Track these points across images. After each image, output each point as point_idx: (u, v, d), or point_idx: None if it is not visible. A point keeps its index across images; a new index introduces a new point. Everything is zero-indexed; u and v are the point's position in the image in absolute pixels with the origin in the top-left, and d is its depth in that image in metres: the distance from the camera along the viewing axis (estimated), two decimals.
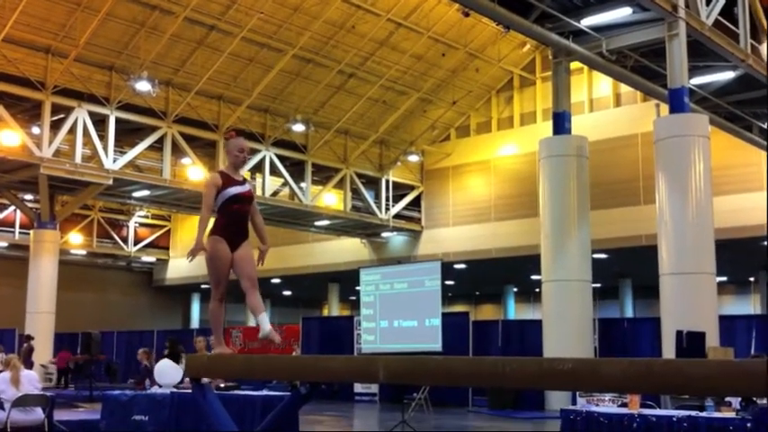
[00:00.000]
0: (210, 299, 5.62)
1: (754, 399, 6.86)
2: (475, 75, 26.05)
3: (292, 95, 24.44)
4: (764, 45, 15.15)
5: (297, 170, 26.04)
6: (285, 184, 26.01)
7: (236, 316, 36.54)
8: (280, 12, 21.38)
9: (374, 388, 17.96)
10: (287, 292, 38.09)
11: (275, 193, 26.23)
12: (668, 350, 11.51)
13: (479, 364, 4.56)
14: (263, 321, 5.41)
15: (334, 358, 5.06)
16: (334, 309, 33.44)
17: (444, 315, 16.33)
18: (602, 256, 23.66)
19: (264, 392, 9.84)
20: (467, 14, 17.72)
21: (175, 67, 22.34)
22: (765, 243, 23.63)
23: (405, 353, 14.78)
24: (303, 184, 26.02)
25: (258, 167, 25.24)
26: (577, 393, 9.17)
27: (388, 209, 28.00)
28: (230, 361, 5.72)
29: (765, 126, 18.15)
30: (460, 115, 27.95)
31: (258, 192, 25.51)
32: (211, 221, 5.50)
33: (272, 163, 24.90)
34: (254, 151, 24.81)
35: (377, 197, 28.09)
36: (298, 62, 23.26)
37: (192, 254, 5.33)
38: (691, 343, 10.40)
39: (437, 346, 15.45)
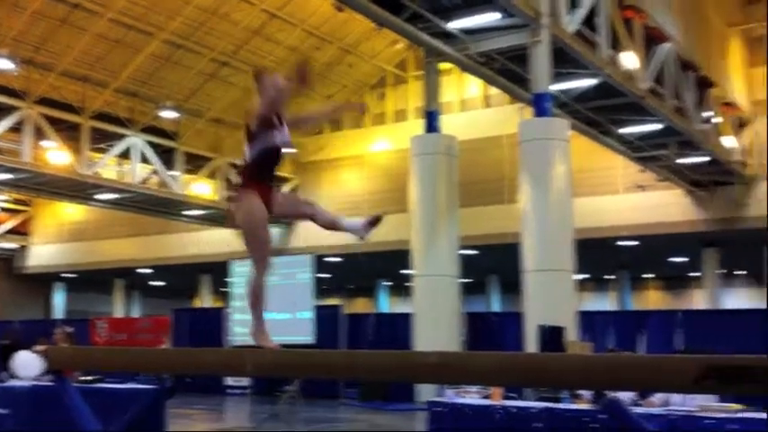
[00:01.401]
0: (254, 273, 4.51)
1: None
2: (349, 70, 26.22)
3: (163, 81, 23.83)
4: (623, 54, 15.97)
5: (167, 158, 25.41)
6: (155, 171, 25.35)
7: (102, 306, 35.35)
8: None
9: (246, 381, 17.85)
10: (156, 283, 37.15)
11: (144, 181, 25.52)
12: (531, 344, 12.04)
13: (349, 357, 4.69)
14: (350, 222, 4.60)
15: (201, 351, 5.07)
16: (206, 300, 32.90)
17: (317, 308, 16.45)
18: (471, 252, 24.38)
19: (130, 385, 9.65)
20: (340, 9, 17.81)
21: (37, 45, 21.32)
22: (620, 243, 25.07)
23: None
24: (174, 173, 25.44)
25: (126, 154, 24.48)
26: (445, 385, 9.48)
27: None
28: (92, 354, 5.62)
29: (621, 132, 19.18)
30: None
31: (127, 179, 24.76)
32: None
33: (141, 150, 24.18)
34: (121, 137, 24.05)
35: None
36: (168, 47, 22.68)
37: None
38: (551, 337, 10.95)
39: (309, 338, 15.55)
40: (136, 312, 36.71)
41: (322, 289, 33.45)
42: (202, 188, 27.11)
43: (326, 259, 27.05)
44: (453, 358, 4.44)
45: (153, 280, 36.18)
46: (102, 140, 24.42)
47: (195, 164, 26.64)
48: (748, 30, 23.46)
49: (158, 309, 33.55)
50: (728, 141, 21.25)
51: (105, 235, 32.38)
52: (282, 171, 28.66)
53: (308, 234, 28.01)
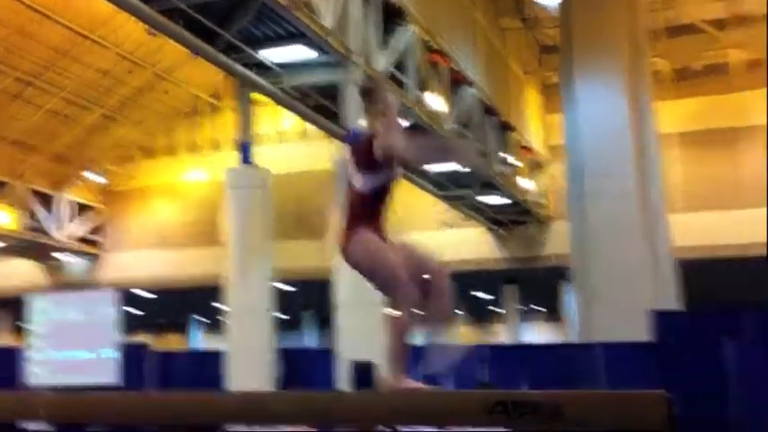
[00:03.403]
0: (398, 306, 3.95)
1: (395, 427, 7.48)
2: (163, 96, 25.59)
3: None
4: (429, 96, 16.61)
5: None
6: None
7: None
8: None
9: (48, 426, 16.69)
10: None
11: None
12: (344, 380, 12.10)
13: (141, 400, 4.56)
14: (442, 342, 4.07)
15: None
16: (2, 338, 30.60)
17: (123, 346, 15.72)
18: (288, 287, 24.27)
19: None
20: (153, 33, 17.39)
21: None
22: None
23: (76, 386, 13.99)
24: None
25: None
26: None
27: (65, 230, 26.38)
28: None
29: (429, 171, 19.86)
30: (147, 136, 27.23)
31: None
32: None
33: None
34: None
35: (54, 217, 26.35)
36: None
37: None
38: (361, 373, 11.06)
39: (112, 378, 14.83)
40: None
41: (132, 325, 32.11)
42: (1, 217, 25.33)
43: (136, 293, 26.01)
44: (255, 399, 4.43)
45: None
46: None
47: None
48: (544, 77, 25.20)
49: None
50: (525, 183, 22.59)
51: None
52: (88, 200, 27.40)
53: (117, 266, 26.86)
